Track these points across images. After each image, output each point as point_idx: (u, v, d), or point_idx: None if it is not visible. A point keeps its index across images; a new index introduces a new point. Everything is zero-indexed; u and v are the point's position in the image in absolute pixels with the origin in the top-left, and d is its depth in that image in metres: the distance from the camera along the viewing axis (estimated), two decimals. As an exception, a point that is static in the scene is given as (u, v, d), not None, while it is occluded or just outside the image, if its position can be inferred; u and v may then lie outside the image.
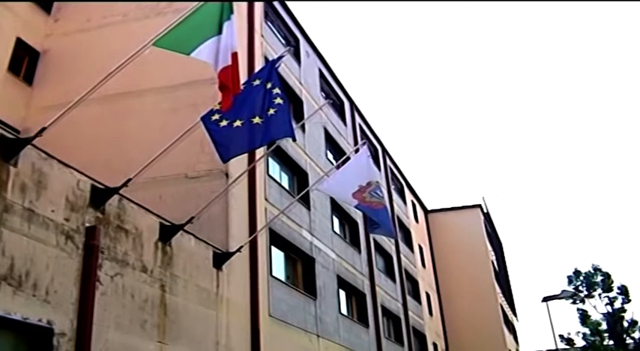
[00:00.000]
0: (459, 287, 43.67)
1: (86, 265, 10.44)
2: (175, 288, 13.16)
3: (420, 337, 37.02)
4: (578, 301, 28.95)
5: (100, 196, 11.16)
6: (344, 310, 25.12)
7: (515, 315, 57.14)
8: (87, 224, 10.72)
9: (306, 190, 19.82)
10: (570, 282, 30.69)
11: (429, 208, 47.84)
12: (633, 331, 27.19)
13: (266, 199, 19.01)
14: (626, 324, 27.06)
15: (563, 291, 27.99)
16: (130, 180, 11.28)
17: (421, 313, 38.07)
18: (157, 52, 9.56)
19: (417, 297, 38.07)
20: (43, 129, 9.32)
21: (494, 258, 49.09)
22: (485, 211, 49.84)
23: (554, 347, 25.37)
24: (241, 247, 15.62)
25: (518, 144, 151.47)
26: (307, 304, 20.78)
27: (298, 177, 23.00)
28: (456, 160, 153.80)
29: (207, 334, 14.26)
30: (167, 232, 13.15)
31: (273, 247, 19.39)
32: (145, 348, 11.81)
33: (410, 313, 34.83)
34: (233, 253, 15.48)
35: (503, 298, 48.77)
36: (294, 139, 13.19)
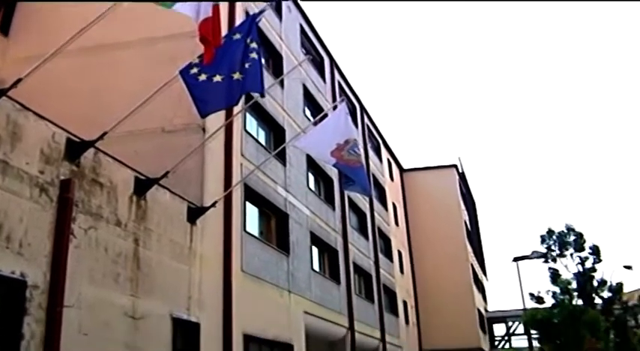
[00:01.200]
0: (431, 246, 44.23)
1: (60, 218, 10.45)
2: (149, 242, 13.23)
3: (391, 294, 37.55)
4: (549, 260, 29.29)
5: (75, 149, 11.13)
6: (316, 267, 25.39)
7: (485, 274, 58.09)
8: (61, 177, 10.70)
9: (282, 146, 19.84)
10: (543, 241, 31.01)
11: (404, 167, 48.10)
12: (602, 291, 27.73)
13: (242, 155, 19.03)
14: (595, 283, 27.54)
15: (534, 251, 28.37)
16: (105, 133, 11.25)
17: (392, 270, 38.56)
18: (137, 4, 9.47)
19: (389, 255, 38.51)
20: (19, 80, 9.25)
21: (467, 218, 49.65)
22: (460, 171, 50.23)
23: (522, 306, 25.88)
24: (216, 202, 15.68)
25: (495, 104, 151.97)
26: (280, 260, 20.98)
27: (275, 133, 23.00)
28: (433, 119, 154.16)
29: (179, 288, 14.39)
30: (142, 186, 13.17)
31: (247, 203, 19.48)
32: (117, 301, 11.92)
33: (381, 270, 35.26)
34: (207, 208, 15.55)
35: (474, 258, 49.49)
36: (263, 95, 13.13)
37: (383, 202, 39.72)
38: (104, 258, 11.67)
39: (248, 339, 17.51)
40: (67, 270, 10.40)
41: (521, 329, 49.05)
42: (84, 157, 11.39)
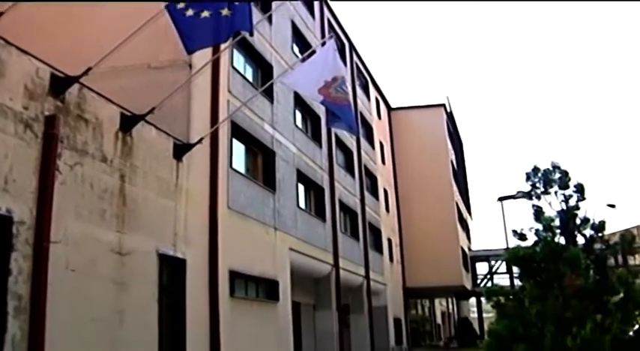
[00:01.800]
0: (417, 185, 44.47)
1: (45, 155, 10.45)
2: (135, 178, 13.26)
3: (376, 232, 37.94)
4: (534, 198, 29.28)
5: (59, 84, 11.04)
6: (302, 204, 25.56)
7: (470, 214, 58.68)
8: (46, 113, 10.65)
9: (269, 83, 19.72)
10: (528, 178, 31.03)
11: (392, 105, 47.97)
12: (585, 229, 27.84)
13: (229, 91, 18.92)
14: (578, 221, 27.64)
15: (519, 191, 28.45)
16: (90, 69, 11.14)
17: (378, 209, 38.86)
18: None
19: (374, 193, 38.75)
20: (0, 14, 9.10)
21: (453, 157, 49.85)
22: (448, 110, 50.20)
23: (505, 246, 26.26)
24: (202, 138, 15.65)
25: (484, 44, 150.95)
26: (266, 197, 21.10)
27: (263, 70, 22.82)
28: (422, 58, 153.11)
29: (166, 224, 14.50)
30: (128, 122, 13.12)
31: (234, 140, 19.46)
32: (104, 237, 12.02)
33: (367, 208, 35.53)
34: (194, 145, 15.53)
35: (459, 197, 49.87)
36: (252, 34, 12.97)
37: (370, 140, 39.76)
38: (90, 194, 11.71)
39: (234, 275, 17.74)
40: (53, 206, 10.44)
41: (503, 268, 49.85)
42: (68, 93, 11.32)
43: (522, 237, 8.50)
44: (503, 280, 48.09)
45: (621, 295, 7.75)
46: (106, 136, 12.40)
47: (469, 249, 52.39)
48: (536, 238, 8.35)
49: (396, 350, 36.63)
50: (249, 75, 21.61)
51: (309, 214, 26.10)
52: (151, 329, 13.49)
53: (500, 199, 40.36)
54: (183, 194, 15.34)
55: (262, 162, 21.97)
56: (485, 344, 8.04)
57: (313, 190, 27.38)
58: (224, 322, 16.53)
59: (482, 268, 53.62)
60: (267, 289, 20.36)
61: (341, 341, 27.56)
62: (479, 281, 51.05)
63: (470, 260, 50.90)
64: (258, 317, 19.41)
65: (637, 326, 7.54)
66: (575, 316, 7.11)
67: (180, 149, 15.35)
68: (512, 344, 7.22)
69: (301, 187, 25.78)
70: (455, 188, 47.37)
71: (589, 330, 6.87)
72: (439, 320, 62.20)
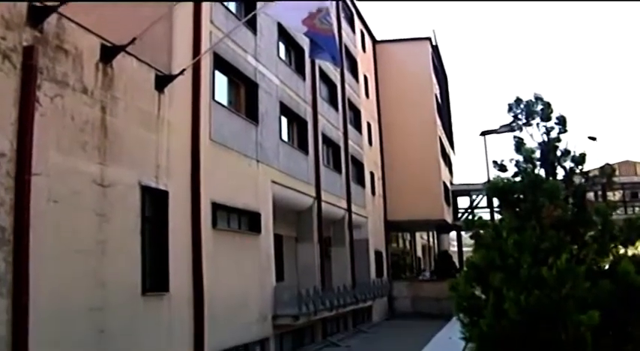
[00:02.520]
0: (401, 119, 44.38)
1: (25, 86, 10.38)
2: (116, 110, 13.21)
3: (358, 165, 38.08)
4: (515, 129, 29.35)
5: (37, 14, 10.87)
6: (285, 137, 25.57)
7: (452, 148, 58.90)
8: (24, 43, 10.52)
9: (252, 13, 19.47)
10: (510, 109, 31.07)
11: (377, 38, 47.51)
12: (565, 161, 28.11)
13: (212, 22, 18.68)
14: (559, 153, 27.91)
15: (502, 126, 28.61)
16: (69, -2, 10.97)
17: (361, 142, 38.93)
18: None
19: (358, 127, 38.74)
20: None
21: (438, 91, 49.72)
22: (433, 44, 49.82)
23: (486, 180, 26.40)
24: (184, 70, 15.52)
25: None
26: (249, 130, 21.09)
27: (246, 0, 22.47)
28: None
29: (148, 156, 14.53)
30: (108, 53, 12.99)
31: (216, 72, 19.32)
32: (85, 169, 12.04)
33: (350, 142, 35.58)
34: (175, 76, 15.42)
35: (442, 132, 49.94)
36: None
37: (354, 73, 39.54)
38: (71, 126, 11.68)
39: (216, 207, 17.89)
40: (33, 138, 10.43)
41: (484, 202, 50.37)
42: (47, 23, 11.15)
43: (503, 168, 8.55)
44: (484, 215, 48.80)
45: (598, 227, 7.88)
46: (86, 68, 12.29)
47: (451, 183, 52.76)
48: (516, 170, 8.40)
49: (377, 283, 37.22)
50: (231, 6, 21.30)
51: (292, 146, 26.15)
52: (134, 260, 13.67)
53: (483, 133, 40.45)
54: (165, 126, 15.31)
55: (245, 94, 21.86)
56: (462, 274, 8.20)
57: (296, 122, 27.36)
58: (206, 253, 16.75)
59: (463, 202, 54.14)
60: (249, 222, 20.56)
61: (322, 273, 27.98)
62: (460, 215, 51.61)
63: (451, 194, 51.32)
64: (241, 249, 19.66)
65: (612, 258, 7.70)
66: (552, 247, 7.25)
67: (162, 81, 15.25)
68: (488, 274, 7.38)
69: (284, 120, 25.74)
70: (438, 123, 47.39)
71: (564, 261, 7.01)
72: (420, 253, 63.10)
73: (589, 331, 6.79)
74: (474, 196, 52.33)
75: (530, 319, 6.83)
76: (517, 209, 8.07)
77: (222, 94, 20.06)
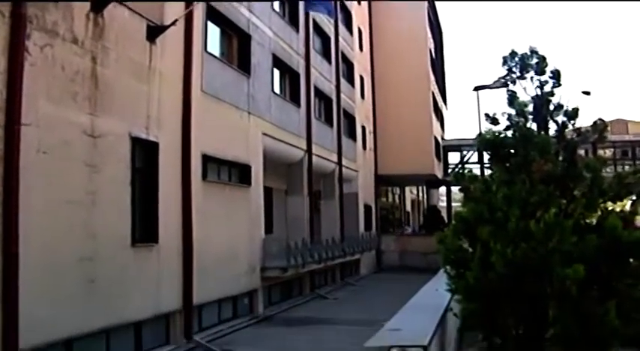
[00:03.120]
0: (394, 73, 44.13)
1: (14, 35, 10.31)
2: (107, 61, 13.13)
3: (350, 119, 38.02)
4: (509, 83, 29.44)
5: (26, -40, 10.72)
6: (277, 89, 25.47)
7: (445, 103, 58.81)
8: (14, -10, 10.39)
9: (245, -36, 19.26)
10: (505, 62, 31.11)
11: (371, -11, 47.01)
12: (557, 115, 28.35)
13: (203, -28, 18.46)
14: (552, 107, 28.10)
15: (496, 81, 28.50)
16: (59, -56, 10.81)
17: (353, 95, 38.80)
18: None
19: (350, 80, 38.57)
20: None
21: (432, 46, 49.44)
22: (428, -3, 49.38)
23: (478, 133, 26.33)
24: (176, 20, 15.39)
25: None
26: (240, 82, 20.99)
27: (238, -51, 22.17)
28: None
29: (138, 107, 14.49)
30: (99, 2, 12.86)
31: (209, 23, 19.14)
32: (76, 119, 12.02)
33: (342, 95, 35.46)
34: (167, 27, 15.31)
35: (435, 86, 49.79)
36: None
37: (348, 26, 39.20)
38: (61, 76, 11.63)
39: (206, 159, 17.91)
40: (23, 88, 10.39)
41: (475, 158, 50.55)
42: (37, -30, 11.01)
43: (494, 121, 8.56)
44: (474, 170, 48.70)
45: (588, 182, 7.94)
46: (76, 17, 12.17)
47: (442, 138, 52.81)
48: (508, 124, 8.41)
49: (365, 236, 37.48)
50: (223, -45, 21.01)
51: (284, 99, 26.07)
52: (123, 211, 13.74)
53: (477, 88, 40.33)
54: (156, 77, 15.24)
55: (237, 46, 21.71)
56: (450, 227, 8.29)
57: (288, 75, 27.22)
58: (196, 205, 16.82)
59: (454, 158, 54.32)
60: (239, 174, 20.61)
61: (311, 226, 28.18)
62: (450, 171, 51.80)
63: (442, 150, 51.44)
64: (231, 201, 19.74)
65: (600, 213, 7.79)
66: (541, 201, 7.33)
67: (154, 31, 15.13)
68: (476, 227, 7.46)
69: (276, 72, 25.61)
70: (432, 78, 47.21)
71: (552, 215, 7.09)
72: (409, 208, 63.43)
73: (574, 285, 6.93)
74: (464, 152, 52.50)
75: (517, 272, 6.95)
76: (507, 163, 8.12)
77: (214, 45, 19.92)
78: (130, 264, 13.96)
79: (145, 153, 14.87)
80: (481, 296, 7.23)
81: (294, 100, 27.21)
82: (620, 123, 58.43)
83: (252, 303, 21.30)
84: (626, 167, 49.04)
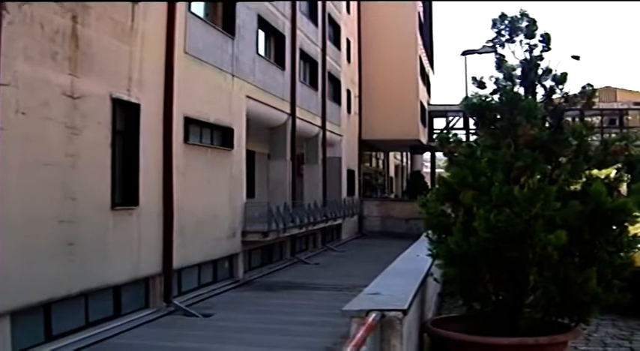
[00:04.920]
0: (381, 35, 43.87)
1: (-9, -10, 10.13)
2: (88, 20, 12.98)
3: (335, 82, 37.92)
4: (497, 46, 29.40)
5: None
6: (261, 51, 25.32)
7: (432, 68, 58.69)
8: (-9, -56, 10.22)
9: None
10: (494, 25, 30.96)
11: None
12: (545, 80, 28.51)
13: None
14: (540, 72, 28.26)
15: (484, 45, 28.35)
16: None
17: (339, 59, 38.64)
18: None
19: (337, 43, 38.35)
20: None
21: (421, 9, 49.16)
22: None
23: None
24: (158, -21, 15.25)
25: None
26: (224, 43, 20.84)
27: None
28: None
29: (120, 68, 14.39)
30: (79, -42, 12.67)
31: (192, -18, 18.97)
32: (55, 80, 11.92)
33: (328, 58, 35.30)
34: (149, -14, 15.16)
35: (423, 50, 49.63)
36: None
37: (334, -13, 38.91)
38: (40, 36, 11.49)
39: (188, 121, 17.86)
40: (0, 47, 10.25)
41: (460, 124, 50.66)
42: None
43: (481, 85, 8.51)
44: (460, 136, 48.70)
45: (573, 148, 7.96)
46: (55, -27, 12.00)
47: (428, 104, 52.79)
48: (495, 88, 8.38)
49: (348, 201, 37.62)
50: None
51: (268, 61, 25.93)
52: (104, 174, 13.72)
53: (465, 53, 40.25)
54: (138, 38, 15.10)
55: (222, 6, 21.51)
56: (433, 191, 8.33)
57: (274, 37, 27.06)
58: (177, 168, 16.81)
59: (439, 124, 54.40)
60: (222, 137, 20.57)
61: (293, 190, 28.26)
62: (435, 137, 51.87)
63: (428, 115, 51.47)
64: (213, 164, 19.74)
65: (584, 180, 7.82)
66: (525, 166, 7.36)
67: (135, -11, 14.96)
68: (459, 192, 7.51)
69: (261, 34, 25.46)
70: (419, 41, 47.05)
71: (536, 180, 7.15)
72: (392, 173, 63.65)
73: (556, 251, 7.00)
74: (450, 118, 52.58)
75: (499, 237, 7.01)
76: (493, 127, 8.14)
77: (198, 5, 19.73)
78: (110, 227, 13.97)
79: (126, 115, 14.80)
80: (462, 261, 7.30)
81: (279, 62, 27.08)
82: (609, 91, 58.53)
83: (232, 267, 21.43)
84: (613, 135, 49.33)
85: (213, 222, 19.53)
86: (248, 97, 22.57)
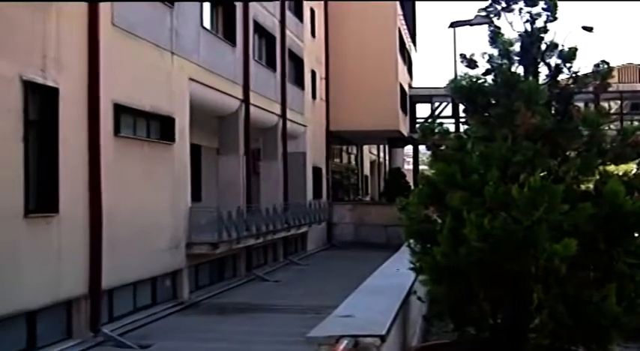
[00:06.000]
0: (352, 4, 43.72)
1: None
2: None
3: (297, 62, 37.82)
4: (492, 15, 29.27)
5: None
6: (207, 24, 25.15)
7: (414, 44, 58.82)
8: None
9: None
10: (490, -8, 30.71)
11: None
12: (550, 57, 28.49)
13: None
14: (543, 47, 28.25)
15: (476, 16, 28.27)
16: None
17: (302, 33, 38.51)
18: None
19: (298, 14, 38.20)
20: None
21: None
22: None
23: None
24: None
25: None
26: (162, 14, 20.66)
27: None
28: None
29: (31, 44, 14.21)
30: None
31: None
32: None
33: (288, 32, 35.16)
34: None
35: (403, 23, 49.66)
36: None
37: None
38: None
39: (119, 109, 17.71)
40: None
41: (449, 112, 50.79)
42: None
43: (472, 63, 8.38)
44: (448, 126, 48.55)
45: (584, 139, 7.88)
46: None
47: (410, 87, 52.91)
48: (489, 67, 8.24)
49: (314, 205, 37.59)
50: None
51: (216, 36, 25.74)
52: (13, 174, 13.50)
53: (453, 24, 40.23)
54: (53, 7, 14.88)
55: (156, -31, 21.33)
56: (415, 192, 8.23)
57: (222, 6, 26.89)
58: (106, 166, 16.64)
59: (423, 111, 54.51)
60: (160, 128, 20.42)
61: (248, 192, 28.14)
62: (418, 126, 51.98)
63: (410, 100, 51.57)
64: (150, 161, 19.56)
65: (598, 177, 7.75)
66: (525, 161, 7.28)
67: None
68: (447, 193, 7.42)
69: (206, 3, 25.30)
70: (399, 11, 47.09)
71: (539, 178, 7.06)
72: (367, 171, 63.73)
73: (564, 264, 6.93)
74: (436, 104, 52.66)
75: (494, 247, 6.92)
76: (486, 115, 8.05)
77: (127, -32, 19.54)
78: (22, 239, 13.77)
79: (41, 101, 14.59)
80: (451, 277, 7.21)
81: (229, 37, 26.90)
82: (630, 69, 57.62)
83: (175, 286, 21.30)
84: (636, 123, 49.20)
85: (152, 231, 19.34)
86: (191, 79, 22.39)
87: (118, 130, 17.67)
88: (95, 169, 16.27)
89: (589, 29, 8.68)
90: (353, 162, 58.22)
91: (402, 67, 47.76)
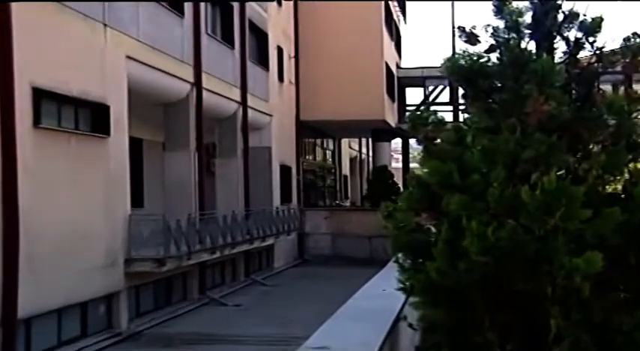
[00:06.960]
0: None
1: None
2: None
3: (260, 36, 37.75)
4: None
5: None
6: (148, -10, 25.15)
7: (404, 15, 58.97)
8: None
9: None
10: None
11: None
12: (569, 29, 28.35)
13: None
14: (560, 17, 28.13)
15: (479, -21, 28.58)
16: None
17: (265, 1, 38.54)
18: None
19: (260, -23, 38.34)
20: None
21: None
22: None
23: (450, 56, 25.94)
24: None
25: None
26: (91, -22, 20.60)
27: None
28: None
29: None
30: None
31: None
32: None
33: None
34: None
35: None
36: None
37: None
38: None
39: (40, 94, 17.67)
40: None
41: (446, 97, 50.91)
42: None
43: (472, 39, 8.29)
44: (444, 116, 48.54)
45: (610, 130, 7.88)
46: None
47: (398, 67, 52.99)
48: (493, 42, 8.18)
49: (283, 211, 37.59)
50: None
51: (159, 3, 25.62)
52: None
53: (447, -7, 40.32)
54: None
55: None
56: (404, 196, 8.21)
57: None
58: (24, 165, 16.63)
59: (415, 96, 54.62)
60: (91, 118, 20.37)
61: (201, 196, 28.13)
62: (408, 115, 52.10)
63: (398, 83, 51.62)
64: (79, 158, 19.50)
65: (627, 177, 7.75)
66: (538, 158, 7.28)
67: None
68: (442, 196, 7.41)
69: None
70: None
71: (555, 178, 7.06)
72: (347, 170, 63.84)
73: (587, 283, 6.92)
74: (430, 87, 52.74)
75: (501, 262, 6.91)
76: (490, 101, 8.03)
77: None
78: None
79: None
80: (449, 299, 7.20)
81: (176, 6, 26.81)
82: None
83: (111, 313, 21.22)
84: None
85: (82, 245, 19.26)
86: (129, 57, 22.34)
87: (39, 120, 17.61)
88: (10, 168, 16.25)
89: (615, -6, 8.64)
90: (329, 159, 58.33)
91: (388, 43, 47.83)
